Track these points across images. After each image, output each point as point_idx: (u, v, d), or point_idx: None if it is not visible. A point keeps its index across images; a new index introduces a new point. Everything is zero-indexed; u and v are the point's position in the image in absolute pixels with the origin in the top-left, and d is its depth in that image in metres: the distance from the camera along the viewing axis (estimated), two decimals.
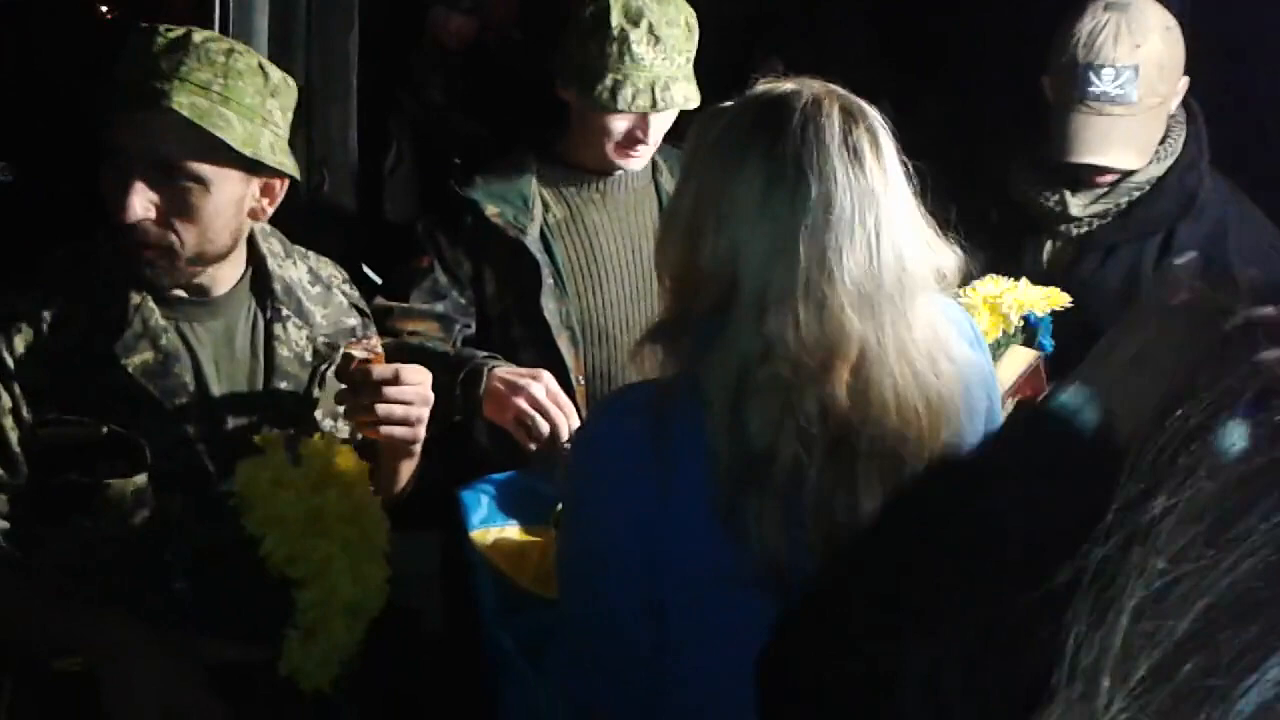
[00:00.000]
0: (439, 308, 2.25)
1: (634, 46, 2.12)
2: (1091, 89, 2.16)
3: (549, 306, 2.24)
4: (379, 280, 3.22)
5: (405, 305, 2.25)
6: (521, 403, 2.01)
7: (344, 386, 1.74)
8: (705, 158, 1.42)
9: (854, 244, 1.33)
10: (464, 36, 4.33)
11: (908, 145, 1.43)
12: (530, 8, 5.00)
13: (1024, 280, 2.17)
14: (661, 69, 2.14)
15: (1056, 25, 2.27)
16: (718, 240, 1.37)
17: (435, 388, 1.82)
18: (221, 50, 1.67)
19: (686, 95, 2.17)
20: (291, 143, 1.78)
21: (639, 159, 2.27)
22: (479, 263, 2.28)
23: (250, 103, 1.65)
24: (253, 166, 1.69)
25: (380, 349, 1.80)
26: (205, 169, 1.64)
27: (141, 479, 1.65)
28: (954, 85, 4.51)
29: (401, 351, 2.00)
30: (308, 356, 1.84)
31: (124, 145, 1.63)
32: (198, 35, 1.66)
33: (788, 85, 1.44)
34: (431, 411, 1.79)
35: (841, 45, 5.31)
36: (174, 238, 1.66)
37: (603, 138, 2.23)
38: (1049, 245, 2.37)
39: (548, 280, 2.24)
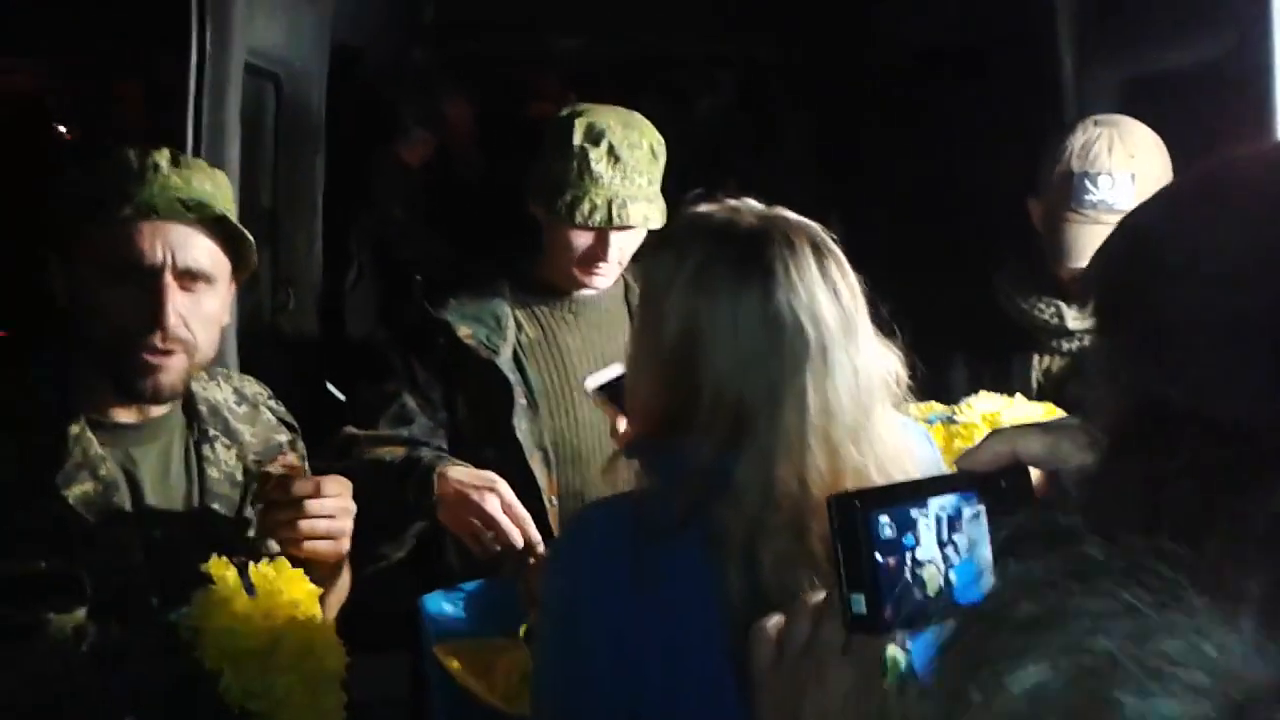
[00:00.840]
0: (406, 432, 2.25)
1: (593, 165, 2.17)
2: (1088, 197, 2.19)
3: (522, 427, 2.24)
4: (342, 396, 3.26)
5: (372, 433, 2.25)
6: (473, 518, 2.02)
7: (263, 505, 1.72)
8: (686, 292, 1.44)
9: (845, 378, 1.39)
10: (424, 155, 4.43)
11: (856, 256, 1.49)
12: (489, 128, 5.14)
13: (1018, 396, 2.15)
14: (620, 188, 2.18)
15: (1040, 147, 2.30)
16: (719, 382, 1.40)
17: (385, 498, 1.81)
18: (202, 162, 1.74)
19: (646, 215, 2.21)
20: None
21: (603, 277, 2.30)
22: (451, 384, 2.29)
23: (231, 206, 1.72)
24: (236, 269, 1.74)
25: (299, 463, 1.81)
26: (218, 271, 1.68)
27: (81, 613, 1.61)
28: (903, 197, 4.67)
29: (352, 471, 1.99)
30: (238, 476, 1.82)
31: (146, 256, 1.62)
32: (170, 151, 1.71)
33: (748, 220, 1.47)
34: (385, 522, 1.78)
35: (792, 163, 5.50)
36: (193, 342, 1.66)
37: (567, 254, 2.26)
38: (1040, 360, 2.35)
39: (520, 401, 2.26)
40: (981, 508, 0.73)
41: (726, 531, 1.36)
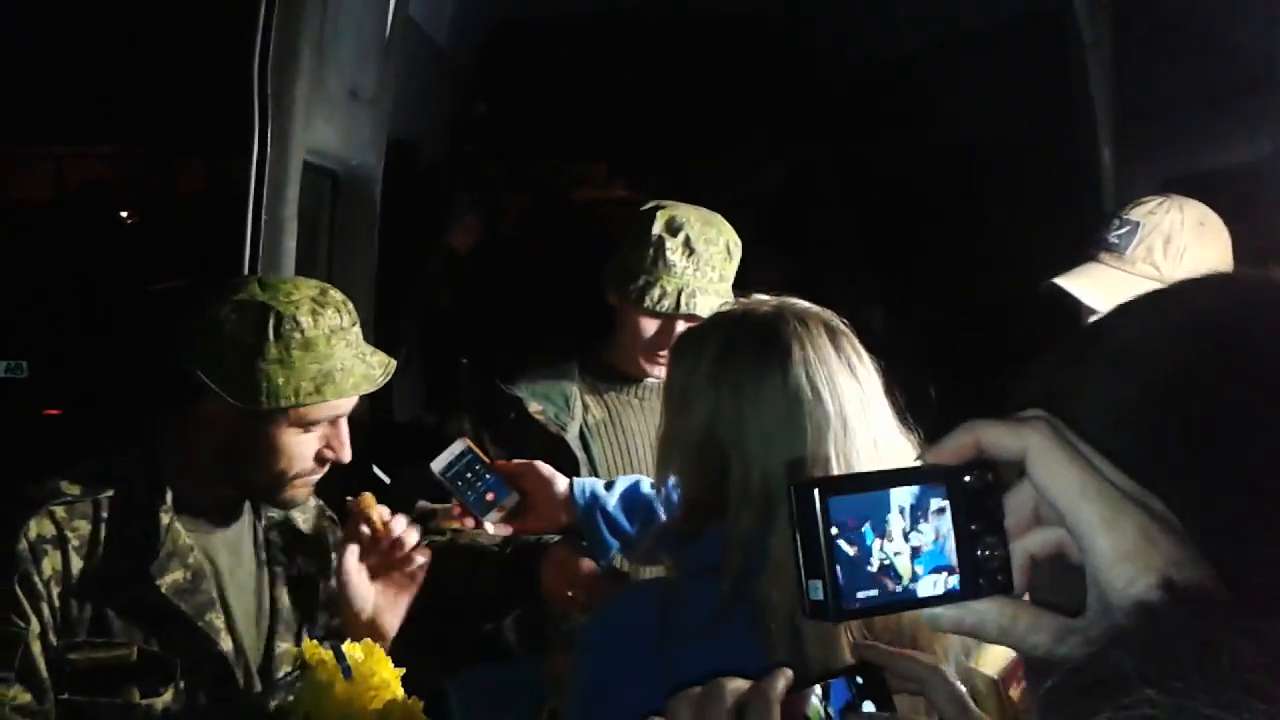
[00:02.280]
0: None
1: (668, 254, 2.25)
2: (1101, 235, 2.27)
3: None
4: (388, 480, 3.32)
5: (447, 506, 2.26)
6: (574, 581, 2.06)
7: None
8: (708, 384, 1.49)
9: (866, 447, 1.43)
10: (473, 242, 4.54)
11: (898, 348, 1.54)
12: (537, 215, 5.26)
13: None
14: (692, 279, 2.25)
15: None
16: (747, 467, 1.43)
17: (481, 578, 1.95)
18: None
19: (715, 309, 2.25)
20: None
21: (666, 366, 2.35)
22: (520, 458, 2.31)
23: None
24: None
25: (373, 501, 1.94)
26: None
27: (169, 695, 1.70)
28: (946, 290, 4.72)
29: (453, 549, 2.07)
30: (301, 562, 1.94)
31: (323, 415, 1.78)
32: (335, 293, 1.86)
33: (763, 309, 1.53)
34: (476, 601, 1.93)
35: (832, 257, 5.57)
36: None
37: (636, 340, 2.32)
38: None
39: (584, 476, 2.28)
40: (946, 502, 0.72)
41: (771, 607, 1.38)
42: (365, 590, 1.85)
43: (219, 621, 1.77)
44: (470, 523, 2.18)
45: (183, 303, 1.83)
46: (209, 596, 1.77)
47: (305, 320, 1.72)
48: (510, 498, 2.00)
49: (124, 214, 5.40)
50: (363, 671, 1.69)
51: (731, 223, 2.41)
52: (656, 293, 2.24)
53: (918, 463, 0.75)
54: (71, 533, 1.71)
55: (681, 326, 2.26)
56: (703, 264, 2.27)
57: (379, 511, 1.85)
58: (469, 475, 2.02)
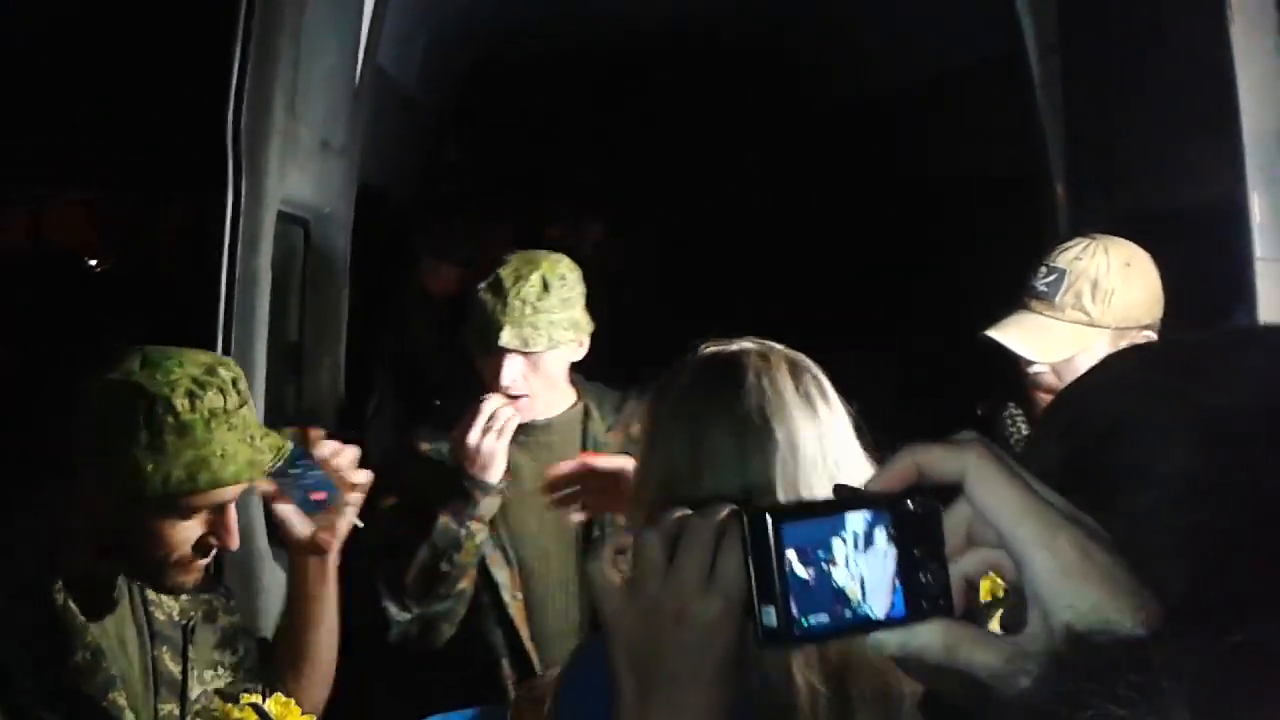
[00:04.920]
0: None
1: (480, 298, 2.39)
2: (1030, 283, 2.31)
3: (486, 553, 2.42)
4: (360, 524, 3.35)
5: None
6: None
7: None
8: (671, 419, 1.52)
9: (819, 483, 1.43)
10: (447, 287, 4.58)
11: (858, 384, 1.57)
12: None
13: None
14: (502, 316, 2.35)
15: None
16: (699, 489, 1.45)
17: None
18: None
19: (526, 339, 2.36)
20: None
21: (520, 398, 2.43)
22: (422, 497, 2.43)
23: None
24: None
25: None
26: None
27: None
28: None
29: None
30: (176, 615, 1.85)
31: (204, 503, 1.68)
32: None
33: (730, 346, 1.56)
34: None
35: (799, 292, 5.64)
36: None
37: (488, 382, 2.42)
38: None
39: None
40: (890, 528, 0.73)
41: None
42: (297, 519, 1.88)
43: (121, 700, 1.68)
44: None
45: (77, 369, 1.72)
46: (109, 675, 1.68)
47: (181, 404, 1.60)
48: (337, 495, 1.92)
49: (93, 262, 5.43)
50: None
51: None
52: (474, 336, 2.40)
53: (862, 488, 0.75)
54: None
55: (507, 362, 2.38)
56: (510, 299, 2.37)
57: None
58: (295, 472, 1.91)
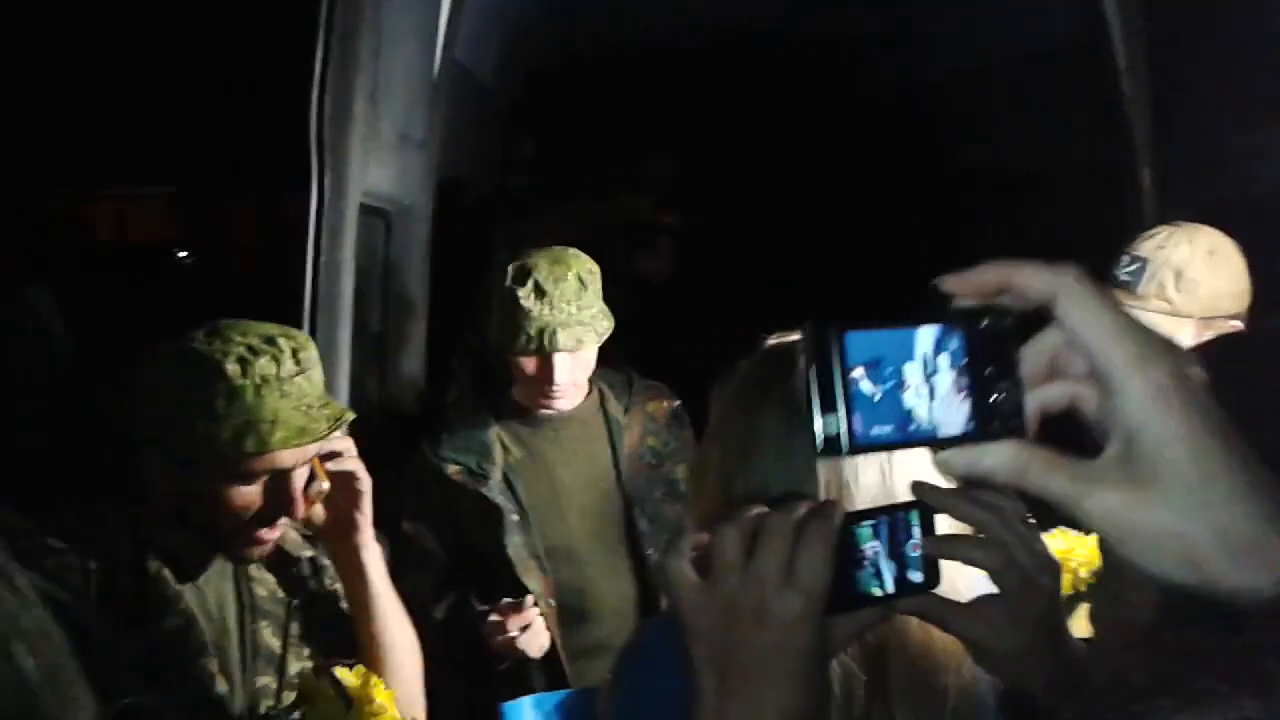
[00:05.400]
0: (425, 574, 2.49)
1: (522, 302, 2.40)
2: (1113, 272, 2.28)
3: (515, 542, 2.45)
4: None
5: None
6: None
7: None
8: (727, 411, 1.52)
9: (868, 467, 1.41)
10: None
11: None
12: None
13: (1094, 535, 2.04)
14: (550, 318, 2.39)
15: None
16: (748, 479, 1.46)
17: None
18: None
19: (579, 339, 2.40)
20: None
21: (561, 398, 2.49)
22: (450, 514, 2.51)
23: None
24: None
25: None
26: None
27: None
28: None
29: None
30: (279, 592, 1.89)
31: (259, 468, 1.70)
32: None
33: (791, 337, 1.55)
34: None
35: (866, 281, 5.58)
36: None
37: (525, 379, 2.48)
38: None
39: (512, 517, 2.47)
40: (963, 345, 0.70)
41: None
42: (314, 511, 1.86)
43: (213, 666, 1.73)
44: None
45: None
46: (201, 641, 1.73)
47: (231, 369, 1.64)
48: (317, 485, 1.92)
49: (183, 255, 5.54)
50: (360, 698, 1.72)
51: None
52: (523, 339, 2.39)
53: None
54: (59, 587, 1.61)
55: (559, 360, 2.42)
56: (557, 300, 2.40)
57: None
58: None
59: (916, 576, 0.95)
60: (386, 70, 2.96)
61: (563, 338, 2.38)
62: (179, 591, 1.72)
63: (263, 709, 1.79)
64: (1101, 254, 2.37)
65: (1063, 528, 2.08)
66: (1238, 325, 2.27)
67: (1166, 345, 0.65)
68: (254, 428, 1.63)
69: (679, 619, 0.91)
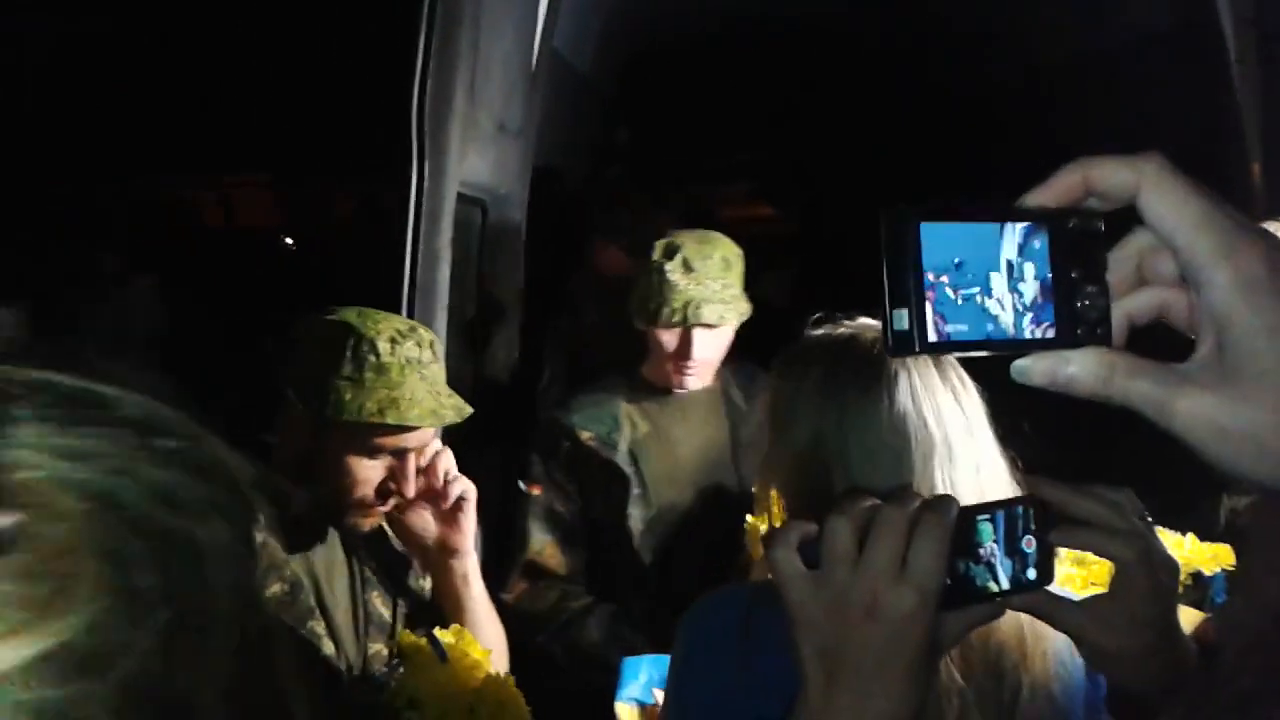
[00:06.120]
0: (556, 535, 2.62)
1: (669, 275, 2.51)
2: None
3: (635, 514, 2.57)
4: (535, 491, 3.45)
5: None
6: None
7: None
8: (814, 399, 1.50)
9: (968, 472, 1.42)
10: (617, 266, 4.64)
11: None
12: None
13: (1190, 536, 2.08)
14: (695, 293, 2.49)
15: None
16: (851, 478, 1.45)
17: None
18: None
19: (722, 315, 2.50)
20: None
21: (693, 376, 2.59)
22: (577, 479, 2.63)
23: None
24: None
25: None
26: None
27: None
28: None
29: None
30: (386, 566, 2.00)
31: (387, 444, 1.83)
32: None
33: (869, 332, 1.54)
34: None
35: None
36: None
37: (661, 355, 2.58)
38: (1229, 499, 2.27)
39: (635, 491, 2.58)
40: (1048, 246, 0.66)
41: None
42: (422, 521, 1.94)
43: (320, 629, 1.81)
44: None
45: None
46: (307, 605, 1.81)
47: (383, 346, 1.77)
48: (461, 484, 2.05)
49: (289, 240, 5.68)
50: (456, 654, 1.80)
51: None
52: (666, 311, 2.49)
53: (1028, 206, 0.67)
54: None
55: (699, 335, 2.52)
56: (702, 278, 2.50)
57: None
58: None
59: (1031, 574, 0.93)
60: (485, 61, 3.01)
61: (706, 312, 2.48)
62: (285, 558, 1.81)
63: (377, 673, 1.87)
64: None
65: (1160, 528, 2.01)
66: None
67: (1258, 233, 0.61)
68: (395, 403, 1.75)
69: (786, 611, 0.90)
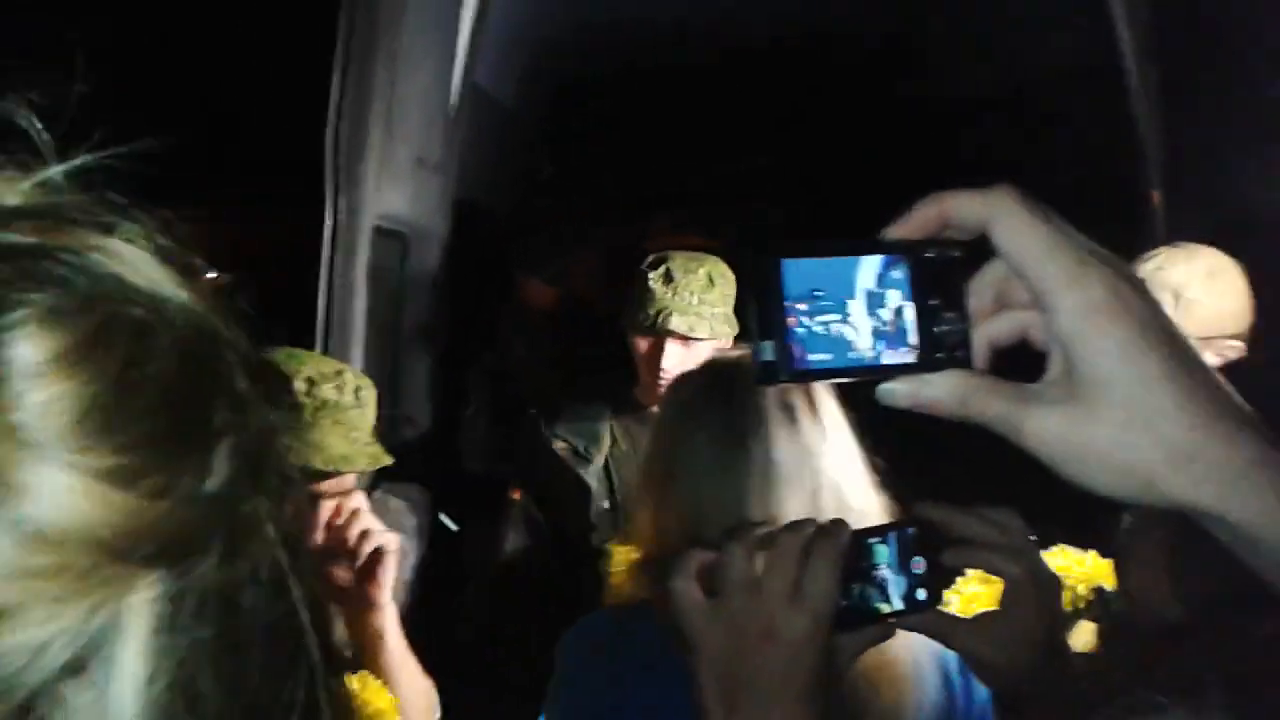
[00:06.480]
0: (531, 540, 2.69)
1: (650, 284, 2.60)
2: None
3: (602, 529, 2.62)
4: (455, 527, 3.43)
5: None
6: None
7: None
8: (669, 418, 1.53)
9: (798, 500, 1.38)
10: (542, 300, 4.65)
11: None
12: (614, 282, 5.36)
13: (1092, 553, 2.11)
14: (669, 302, 2.57)
15: None
16: (679, 497, 1.45)
17: None
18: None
19: (691, 326, 2.56)
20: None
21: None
22: (551, 488, 2.69)
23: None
24: None
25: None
26: None
27: None
28: None
29: None
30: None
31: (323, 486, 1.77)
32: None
33: (735, 353, 1.58)
34: None
35: None
36: None
37: (640, 366, 2.65)
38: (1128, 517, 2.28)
39: (603, 505, 2.65)
40: (908, 275, 0.69)
41: None
42: (337, 571, 1.82)
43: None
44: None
45: None
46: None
47: (298, 386, 1.74)
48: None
49: (212, 275, 5.59)
50: (358, 702, 1.74)
51: None
52: (640, 316, 2.58)
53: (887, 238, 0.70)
54: None
55: (670, 346, 2.58)
56: (680, 289, 2.59)
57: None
58: None
59: (921, 594, 0.96)
60: (402, 95, 3.01)
61: (676, 320, 2.55)
62: None
63: None
64: None
65: (1063, 545, 2.07)
66: (1238, 345, 2.27)
67: (1104, 258, 0.63)
68: (299, 447, 1.68)
69: (687, 639, 0.91)
